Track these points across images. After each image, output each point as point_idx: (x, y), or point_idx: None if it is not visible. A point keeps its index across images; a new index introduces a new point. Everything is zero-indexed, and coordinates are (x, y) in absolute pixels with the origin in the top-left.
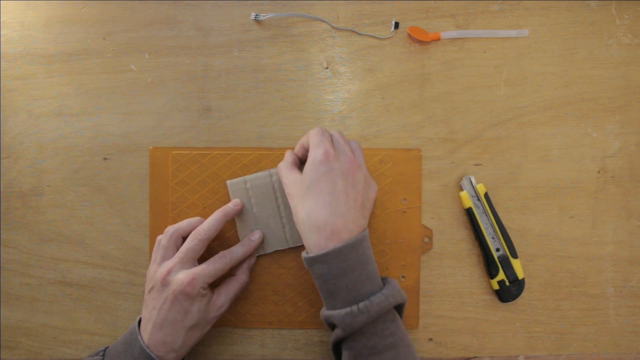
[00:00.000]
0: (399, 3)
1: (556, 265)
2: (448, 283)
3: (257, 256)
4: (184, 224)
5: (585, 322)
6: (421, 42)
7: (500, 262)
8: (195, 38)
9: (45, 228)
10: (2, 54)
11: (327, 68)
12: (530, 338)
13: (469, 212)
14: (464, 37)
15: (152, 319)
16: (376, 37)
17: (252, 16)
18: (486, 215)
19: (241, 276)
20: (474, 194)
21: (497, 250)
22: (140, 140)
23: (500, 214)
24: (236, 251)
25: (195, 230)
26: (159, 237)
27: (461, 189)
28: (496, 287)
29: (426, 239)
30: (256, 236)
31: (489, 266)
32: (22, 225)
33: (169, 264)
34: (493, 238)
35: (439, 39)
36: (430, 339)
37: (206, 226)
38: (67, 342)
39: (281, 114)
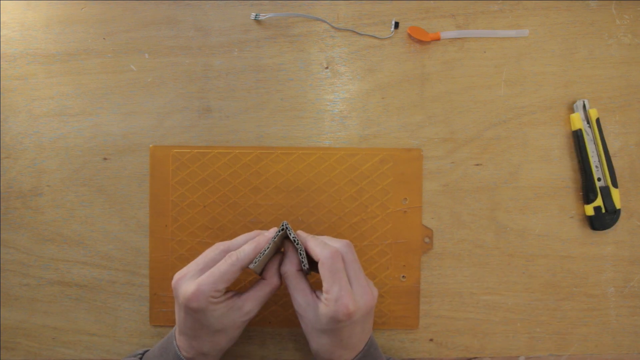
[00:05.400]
0: (399, 3)
1: (556, 265)
2: (449, 283)
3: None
4: (239, 240)
5: (586, 322)
6: (421, 42)
7: (600, 190)
8: (195, 38)
9: (44, 228)
10: (2, 54)
11: (327, 68)
12: (531, 338)
13: (577, 135)
14: (464, 37)
15: (178, 323)
16: (376, 37)
17: (252, 16)
18: (594, 141)
19: (272, 279)
20: (584, 117)
21: (599, 179)
22: (140, 141)
23: (500, 214)
24: (244, 250)
25: (231, 250)
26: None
27: (573, 111)
28: (590, 212)
29: (427, 239)
30: (270, 231)
31: (587, 191)
32: (22, 226)
33: (184, 270)
34: (597, 167)
35: (439, 39)
36: (431, 340)
37: (242, 254)
38: (67, 342)
39: (281, 114)
